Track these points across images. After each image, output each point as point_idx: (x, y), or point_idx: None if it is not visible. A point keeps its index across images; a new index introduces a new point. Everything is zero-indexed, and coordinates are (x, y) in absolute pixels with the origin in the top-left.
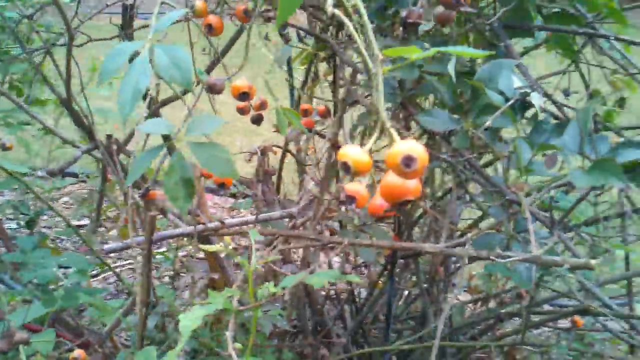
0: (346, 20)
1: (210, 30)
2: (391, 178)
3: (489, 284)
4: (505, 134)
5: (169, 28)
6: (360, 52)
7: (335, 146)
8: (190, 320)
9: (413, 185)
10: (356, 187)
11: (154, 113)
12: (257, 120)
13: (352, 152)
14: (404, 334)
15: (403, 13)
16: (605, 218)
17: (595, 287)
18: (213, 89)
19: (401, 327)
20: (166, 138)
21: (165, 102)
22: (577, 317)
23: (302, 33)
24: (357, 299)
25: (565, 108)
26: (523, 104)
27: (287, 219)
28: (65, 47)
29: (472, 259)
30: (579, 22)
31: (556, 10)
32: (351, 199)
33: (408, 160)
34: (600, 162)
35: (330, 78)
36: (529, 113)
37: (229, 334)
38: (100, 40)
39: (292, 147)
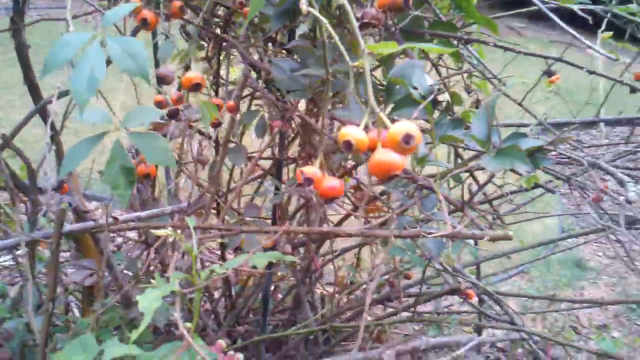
0: (322, 18)
1: (145, 25)
2: (380, 155)
3: (354, 274)
4: None
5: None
6: (339, 47)
7: (227, 143)
8: (149, 301)
9: (400, 160)
10: (312, 170)
11: (43, 106)
12: (174, 115)
13: (354, 132)
14: (278, 326)
15: (358, 14)
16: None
17: (462, 269)
18: (163, 80)
19: (274, 319)
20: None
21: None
22: (470, 290)
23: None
24: (232, 294)
25: None
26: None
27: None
28: None
29: (343, 251)
30: (456, 30)
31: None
32: (309, 180)
33: (408, 138)
34: (505, 149)
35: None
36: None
37: (177, 315)
38: None
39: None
